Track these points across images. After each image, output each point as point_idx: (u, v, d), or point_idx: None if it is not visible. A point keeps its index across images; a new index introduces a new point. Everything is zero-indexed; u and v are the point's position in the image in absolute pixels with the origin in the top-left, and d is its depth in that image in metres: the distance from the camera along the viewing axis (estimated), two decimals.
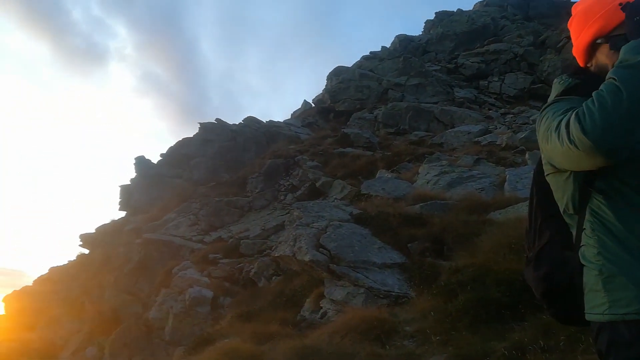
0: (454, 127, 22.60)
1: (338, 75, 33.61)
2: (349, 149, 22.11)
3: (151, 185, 27.00)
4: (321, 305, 8.61)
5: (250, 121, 29.73)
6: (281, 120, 32.54)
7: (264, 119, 30.80)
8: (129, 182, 28.89)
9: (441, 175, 12.15)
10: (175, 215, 22.37)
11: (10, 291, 25.95)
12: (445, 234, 8.63)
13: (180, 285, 14.77)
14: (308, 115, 33.67)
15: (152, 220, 22.61)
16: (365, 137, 23.26)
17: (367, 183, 13.05)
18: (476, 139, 18.69)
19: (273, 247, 15.93)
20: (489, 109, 27.72)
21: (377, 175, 14.72)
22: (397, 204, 10.17)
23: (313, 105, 35.05)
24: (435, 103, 27.73)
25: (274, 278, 14.45)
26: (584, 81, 1.71)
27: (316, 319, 8.42)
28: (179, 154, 28.48)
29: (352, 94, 30.73)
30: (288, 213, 19.00)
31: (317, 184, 18.80)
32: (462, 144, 18.91)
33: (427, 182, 12.17)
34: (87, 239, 25.84)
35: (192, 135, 29.71)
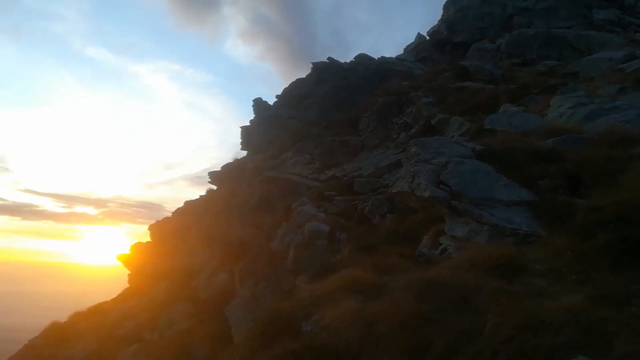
0: (591, 55, 19.96)
1: (456, 4, 31.16)
2: (467, 83, 20.79)
3: (268, 126, 28.22)
4: (440, 241, 8.50)
5: (362, 59, 29.16)
6: (393, 56, 31.44)
7: (375, 56, 29.99)
8: (249, 124, 30.48)
9: (577, 107, 10.91)
10: (291, 155, 23.30)
11: (153, 222, 29.63)
12: (581, 170, 7.84)
13: (299, 220, 15.56)
14: (422, 49, 32.08)
15: (271, 159, 23.83)
16: (486, 69, 21.62)
17: (490, 117, 12.20)
18: (619, 67, 16.35)
19: (388, 185, 15.97)
20: (635, 32, 23.93)
21: (501, 110, 13.69)
22: (526, 138, 9.40)
23: (427, 38, 33.22)
24: (569, 28, 24.63)
25: (387, 215, 14.56)
26: None
27: (435, 255, 8.36)
28: (293, 95, 29.17)
29: (471, 22, 28.47)
30: (402, 152, 18.72)
31: (433, 122, 18.10)
32: (601, 73, 16.69)
33: (561, 115, 11.02)
34: (215, 177, 28.19)
35: (304, 76, 30.10)
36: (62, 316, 23.81)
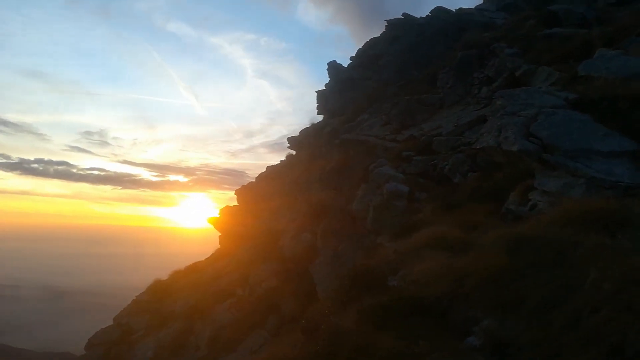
0: None
1: None
2: (556, 30, 19.14)
3: (344, 88, 28.08)
4: (530, 197, 8.16)
5: (438, 12, 27.79)
6: (472, 7, 29.61)
7: (452, 8, 28.42)
8: (324, 88, 30.52)
9: None
10: (368, 116, 23.12)
11: (237, 187, 31.08)
12: None
13: (378, 181, 15.58)
14: None
15: (347, 122, 23.82)
16: (577, 12, 19.75)
17: (585, 63, 11.23)
18: None
19: (470, 142, 15.42)
20: None
21: (596, 55, 12.53)
22: (628, 85, 8.59)
23: None
24: None
25: (469, 174, 14.13)
26: None
27: (524, 212, 8.05)
28: (367, 55, 28.64)
29: None
30: (484, 107, 17.88)
31: (517, 73, 16.99)
32: None
33: None
34: (293, 142, 28.79)
35: (378, 35, 29.35)
36: (163, 275, 26.12)
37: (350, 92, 27.05)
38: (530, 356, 4.01)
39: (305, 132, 28.41)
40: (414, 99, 21.92)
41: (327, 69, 30.23)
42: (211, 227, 28.42)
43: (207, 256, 28.29)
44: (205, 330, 19.58)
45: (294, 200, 22.49)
